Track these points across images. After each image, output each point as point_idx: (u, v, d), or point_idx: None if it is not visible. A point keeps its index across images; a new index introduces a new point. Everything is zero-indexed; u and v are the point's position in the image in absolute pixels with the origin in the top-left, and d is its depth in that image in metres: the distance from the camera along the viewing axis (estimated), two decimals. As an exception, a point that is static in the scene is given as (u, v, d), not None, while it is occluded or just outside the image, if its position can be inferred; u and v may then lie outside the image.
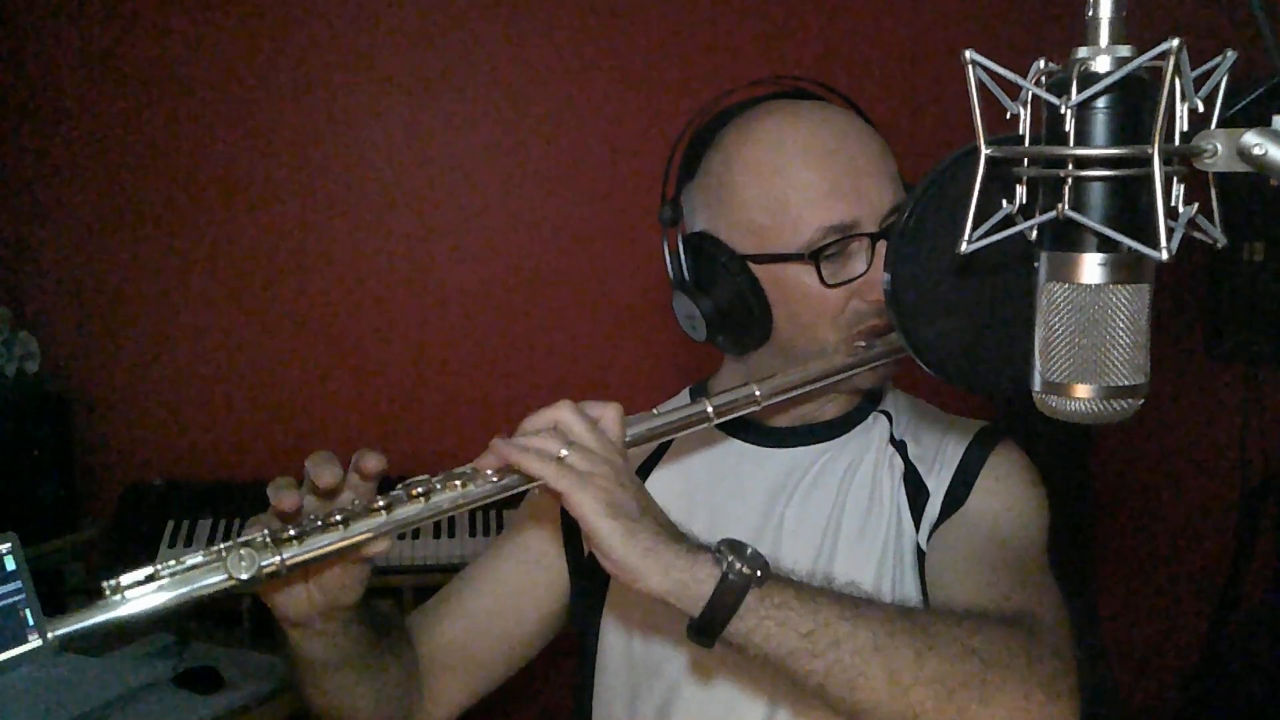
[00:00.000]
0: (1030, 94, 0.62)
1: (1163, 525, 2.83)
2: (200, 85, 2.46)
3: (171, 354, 2.50)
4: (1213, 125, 0.61)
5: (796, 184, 1.00)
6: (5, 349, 2.26)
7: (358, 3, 2.50)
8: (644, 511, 0.83)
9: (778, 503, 1.07)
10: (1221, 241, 0.63)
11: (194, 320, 2.51)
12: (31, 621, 2.02)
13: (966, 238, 0.63)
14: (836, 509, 1.05)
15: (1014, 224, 0.63)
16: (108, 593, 0.80)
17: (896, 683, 0.80)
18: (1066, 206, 0.60)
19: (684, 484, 1.12)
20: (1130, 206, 0.60)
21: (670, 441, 1.14)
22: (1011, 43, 2.51)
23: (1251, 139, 0.59)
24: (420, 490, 0.84)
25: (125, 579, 0.79)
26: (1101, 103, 0.59)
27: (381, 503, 0.84)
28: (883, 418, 1.11)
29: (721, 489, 1.10)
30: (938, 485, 1.04)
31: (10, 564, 1.97)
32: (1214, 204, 0.63)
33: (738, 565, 0.80)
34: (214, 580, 0.80)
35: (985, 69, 0.61)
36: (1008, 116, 0.63)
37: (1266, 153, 0.59)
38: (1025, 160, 0.63)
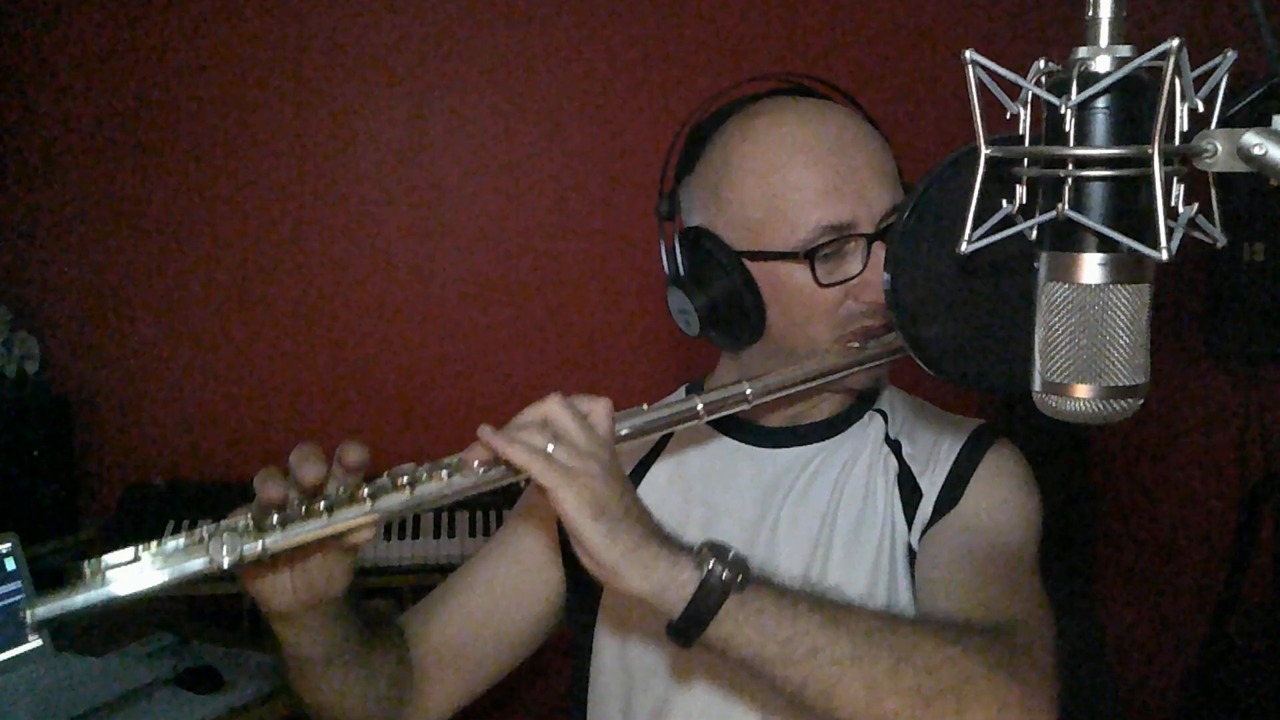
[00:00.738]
0: (1030, 94, 0.62)
1: (1163, 525, 2.83)
2: (200, 85, 2.46)
3: (172, 354, 2.50)
4: (1213, 125, 0.60)
5: (794, 182, 0.99)
6: (5, 349, 2.26)
7: (358, 3, 2.50)
8: (628, 511, 0.83)
9: (773, 503, 1.07)
10: (1221, 241, 0.63)
11: (194, 320, 2.51)
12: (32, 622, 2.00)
13: (966, 238, 0.63)
14: (831, 509, 1.05)
15: (1014, 224, 0.63)
16: (88, 574, 0.78)
17: (873, 692, 0.80)
18: (1066, 206, 0.60)
19: (679, 483, 1.11)
20: (1130, 206, 0.60)
21: (666, 440, 1.14)
22: (1011, 43, 2.51)
23: (1251, 139, 0.59)
24: (406, 479, 0.84)
25: (106, 560, 0.79)
26: (1101, 103, 0.59)
27: (366, 491, 0.83)
28: (878, 417, 1.10)
29: (716, 488, 1.10)
30: (930, 486, 1.04)
31: (10, 564, 1.98)
32: (1214, 204, 0.63)
33: (719, 569, 0.80)
34: (195, 564, 0.79)
35: (985, 69, 0.61)
36: (1008, 116, 0.63)
37: (1266, 153, 0.59)
38: (1025, 160, 0.63)
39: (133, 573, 0.79)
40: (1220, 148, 0.60)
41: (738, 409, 0.95)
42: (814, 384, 0.98)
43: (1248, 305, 2.47)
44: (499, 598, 1.11)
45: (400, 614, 1.12)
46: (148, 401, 2.50)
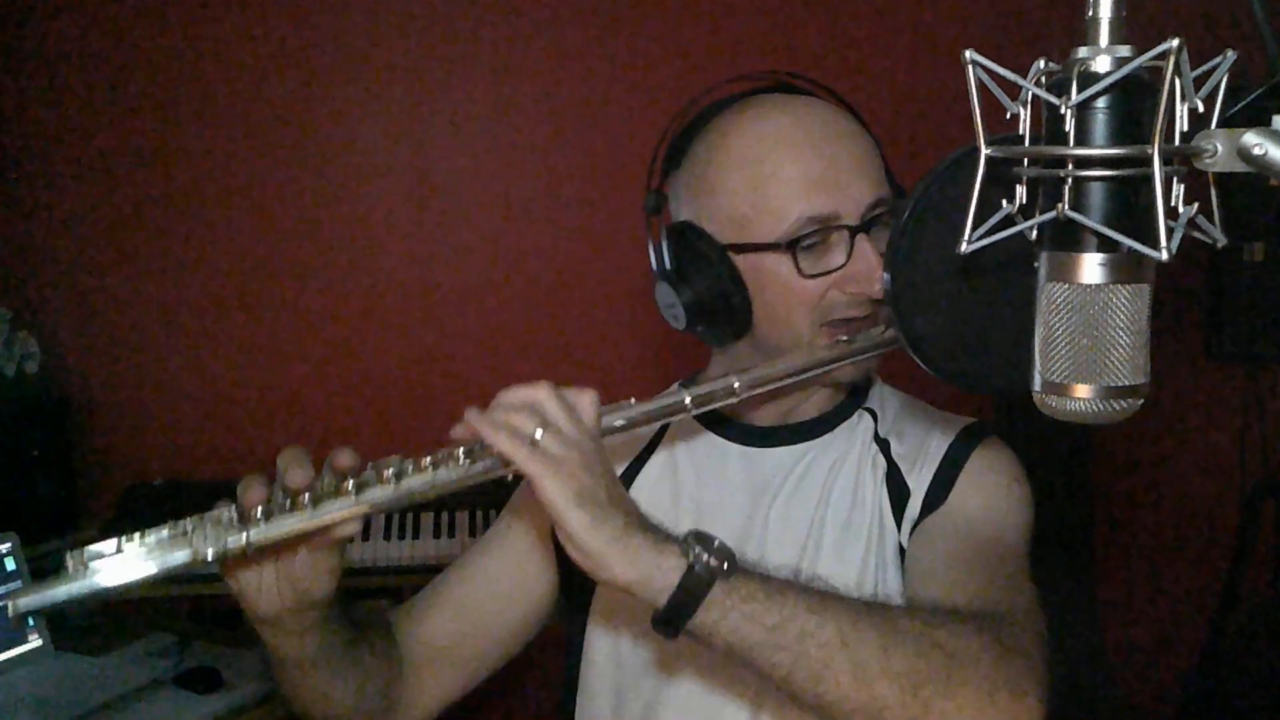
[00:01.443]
0: (1030, 94, 0.62)
1: (1163, 525, 2.83)
2: (200, 86, 2.46)
3: (172, 354, 2.50)
4: (1213, 125, 0.61)
5: (778, 175, 1.00)
6: (5, 349, 2.26)
7: (358, 3, 2.50)
8: (613, 500, 0.83)
9: (762, 502, 1.07)
10: (1221, 241, 0.63)
11: (194, 320, 2.51)
12: (31, 622, 2.02)
13: (966, 238, 0.63)
14: (820, 509, 1.05)
15: (1014, 224, 0.63)
16: (70, 565, 0.78)
17: (862, 676, 0.80)
18: (1066, 206, 0.60)
19: (670, 482, 1.12)
20: (1130, 206, 0.60)
21: (657, 439, 1.15)
22: (1011, 43, 2.51)
23: (1251, 139, 0.59)
24: (391, 472, 0.83)
25: (89, 551, 0.78)
26: (1101, 103, 0.59)
27: (351, 484, 0.83)
28: (867, 416, 1.11)
29: (707, 487, 1.10)
30: (919, 484, 1.04)
31: (10, 564, 1.98)
32: (1214, 204, 0.63)
33: (705, 557, 0.80)
34: (179, 556, 0.79)
35: (985, 69, 0.61)
36: (1008, 116, 0.63)
37: (1266, 153, 0.59)
38: (1025, 160, 0.63)
39: (117, 564, 0.78)
40: (1220, 148, 0.60)
41: (726, 402, 0.95)
42: (802, 377, 0.98)
43: (1248, 305, 2.47)
44: (492, 593, 1.11)
45: (392, 611, 1.12)
46: (148, 401, 2.50)
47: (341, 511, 0.82)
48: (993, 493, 1.04)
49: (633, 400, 0.92)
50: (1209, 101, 0.60)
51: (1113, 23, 0.60)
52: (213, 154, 2.48)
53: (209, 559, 0.79)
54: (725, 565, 0.80)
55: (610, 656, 1.09)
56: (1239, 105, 0.62)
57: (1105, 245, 0.60)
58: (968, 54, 0.61)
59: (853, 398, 1.11)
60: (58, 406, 2.33)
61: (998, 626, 0.85)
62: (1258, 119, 0.60)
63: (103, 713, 1.70)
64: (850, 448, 1.08)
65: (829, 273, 1.00)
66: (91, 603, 0.79)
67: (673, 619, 0.80)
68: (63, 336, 2.44)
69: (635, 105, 2.56)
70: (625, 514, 0.83)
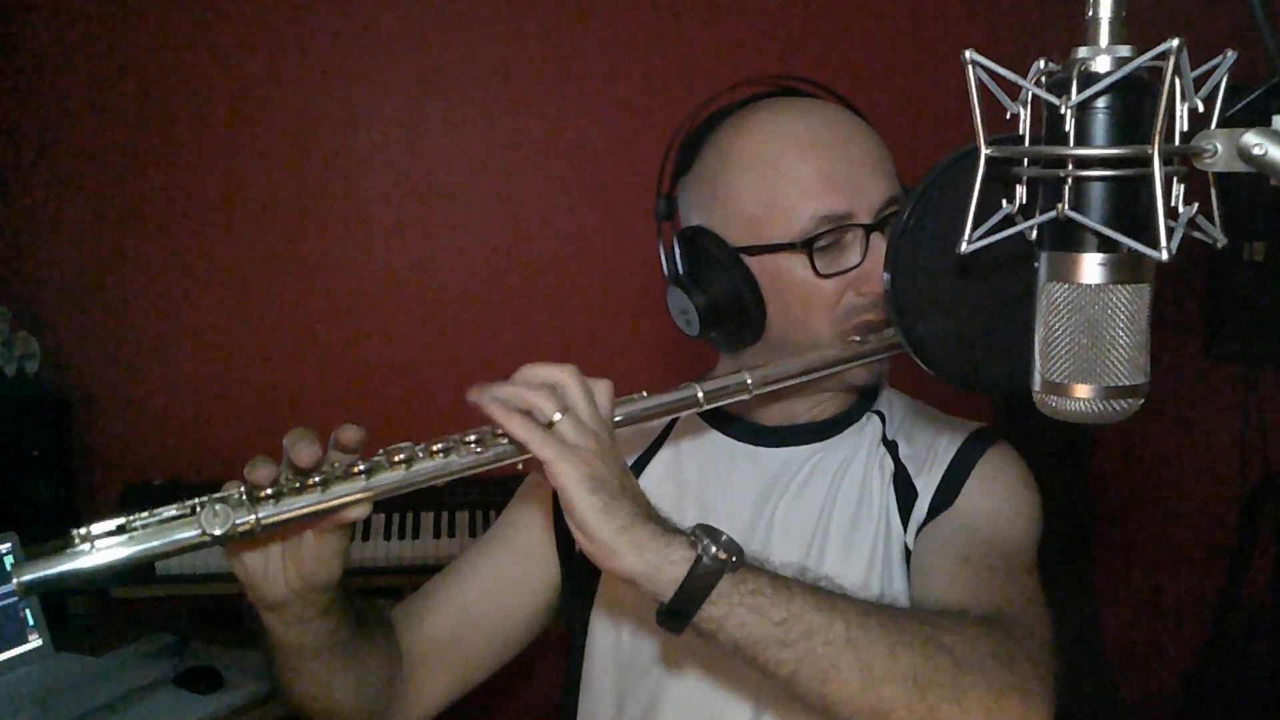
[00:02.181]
0: (1030, 94, 0.62)
1: (1163, 525, 2.83)
2: (200, 86, 2.46)
3: (171, 354, 2.50)
4: (1213, 125, 0.61)
5: (790, 175, 1.00)
6: (5, 349, 2.26)
7: (357, 3, 2.50)
8: (624, 490, 0.82)
9: (769, 501, 1.07)
10: (1221, 241, 0.63)
11: (194, 320, 2.51)
12: (31, 622, 2.02)
13: (966, 238, 0.63)
14: (826, 509, 1.05)
15: (1014, 224, 0.63)
16: (77, 541, 0.77)
17: (868, 676, 0.79)
18: (1066, 206, 0.60)
19: (676, 479, 1.12)
20: (1130, 206, 0.60)
21: (664, 436, 1.15)
22: (1011, 43, 2.51)
23: (1251, 139, 0.59)
24: (402, 457, 0.83)
25: (96, 528, 0.77)
26: (1101, 103, 0.59)
27: (361, 467, 0.82)
28: (876, 418, 1.11)
29: (713, 486, 1.10)
30: (926, 486, 1.04)
31: (10, 564, 1.97)
32: (1214, 204, 0.63)
33: (712, 550, 0.79)
34: (186, 535, 0.78)
35: (985, 69, 0.61)
36: (1008, 116, 0.63)
37: (1266, 153, 0.59)
38: (1025, 160, 0.63)
39: (122, 541, 0.78)
40: (1220, 148, 0.60)
41: (738, 398, 0.94)
42: (814, 376, 0.97)
43: (1248, 305, 2.47)
44: (494, 590, 1.11)
45: (394, 608, 1.12)
46: (147, 401, 2.50)
47: (351, 494, 0.82)
48: (1001, 496, 1.03)
49: (644, 393, 0.92)
50: (1209, 101, 0.60)
51: (1113, 23, 0.60)
52: (213, 154, 2.48)
53: (217, 537, 0.78)
54: (733, 559, 0.80)
55: (612, 654, 1.09)
56: (1239, 105, 0.62)
57: (1105, 245, 0.60)
58: (968, 54, 0.61)
59: (862, 400, 1.11)
60: (58, 406, 2.33)
61: (1006, 630, 0.85)
62: (1258, 119, 0.60)
63: (103, 713, 1.70)
64: (858, 449, 1.08)
65: (845, 272, 1.00)
66: (94, 583, 0.78)
67: (679, 612, 0.80)
68: (63, 336, 2.44)
69: (637, 105, 2.56)
70: (636, 504, 0.82)
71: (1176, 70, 0.57)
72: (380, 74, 2.51)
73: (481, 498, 2.32)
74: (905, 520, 1.03)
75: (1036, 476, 1.07)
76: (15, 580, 0.76)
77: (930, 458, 1.06)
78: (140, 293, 2.48)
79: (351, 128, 2.52)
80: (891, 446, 1.08)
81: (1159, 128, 0.57)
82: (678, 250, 1.06)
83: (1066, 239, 0.61)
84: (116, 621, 2.09)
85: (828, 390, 1.08)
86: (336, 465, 0.83)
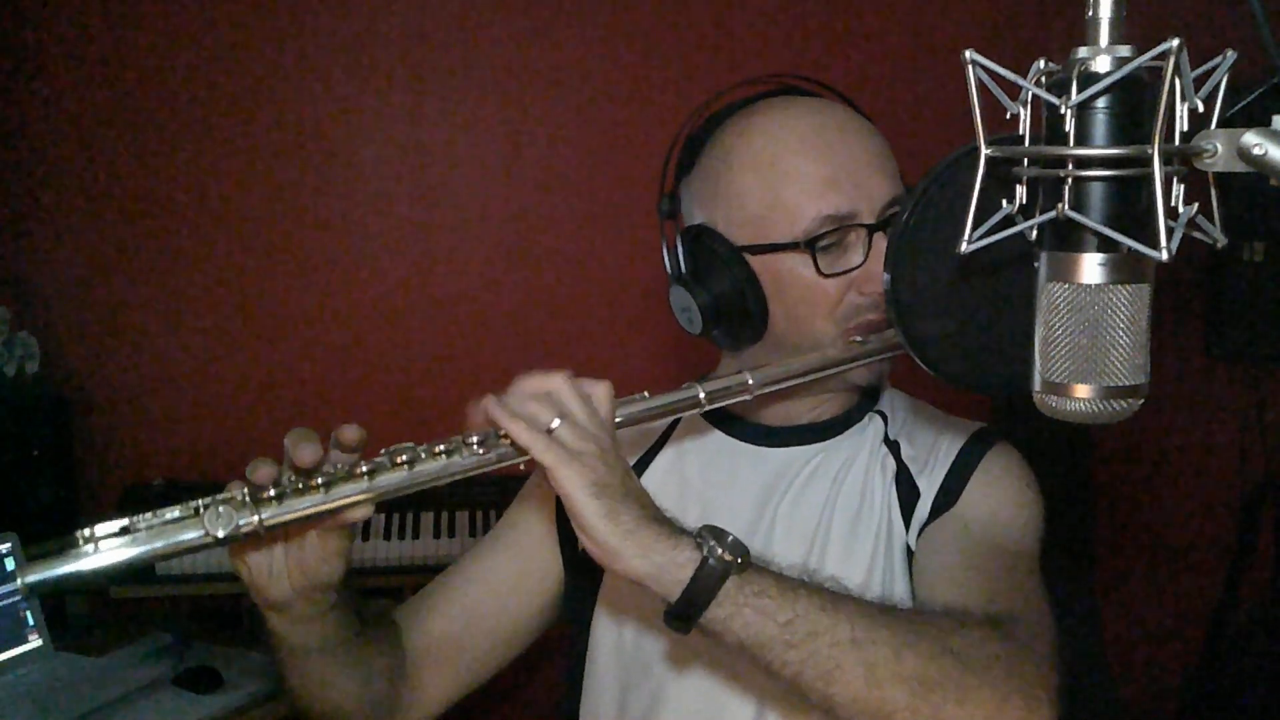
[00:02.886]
0: (1030, 94, 0.62)
1: (1163, 525, 2.83)
2: (200, 86, 2.46)
3: (171, 354, 2.50)
4: (1213, 125, 0.61)
5: (793, 174, 1.00)
6: (5, 349, 2.26)
7: (357, 3, 2.50)
8: (628, 492, 0.83)
9: (770, 501, 1.07)
10: (1221, 241, 0.63)
11: (194, 320, 2.51)
12: (31, 622, 2.02)
13: (966, 238, 0.63)
14: (828, 509, 1.05)
15: (1014, 224, 0.63)
16: (81, 542, 0.77)
17: (873, 678, 0.79)
18: (1066, 206, 0.60)
19: (678, 479, 1.12)
20: (1130, 206, 0.60)
21: (666, 436, 1.15)
22: (1011, 43, 2.51)
23: (1251, 139, 0.59)
24: (404, 458, 0.83)
25: (99, 529, 0.78)
26: (1101, 103, 0.59)
27: (364, 468, 0.83)
28: (878, 418, 1.11)
29: (715, 485, 1.10)
30: (929, 486, 1.04)
31: (10, 564, 1.98)
32: (1214, 204, 0.63)
33: (718, 551, 0.80)
34: (190, 536, 0.78)
35: (985, 69, 0.61)
36: (1008, 116, 0.63)
37: (1266, 153, 0.59)
38: (1025, 160, 0.63)
39: (126, 542, 0.78)
40: (1220, 148, 0.60)
41: (740, 398, 0.94)
42: (816, 376, 0.97)
43: (1248, 305, 2.47)
44: (496, 590, 1.11)
45: (397, 609, 1.12)
46: (147, 401, 2.49)
47: (354, 495, 0.82)
48: (1004, 497, 1.03)
49: (646, 394, 0.92)
50: (1209, 101, 0.60)
51: (1113, 23, 0.60)
52: (213, 154, 2.48)
53: (220, 539, 0.78)
54: (739, 560, 0.80)
55: (615, 653, 1.09)
56: (1239, 105, 0.62)
57: (1105, 245, 0.60)
58: (968, 54, 0.61)
59: (864, 400, 1.11)
60: (58, 406, 2.33)
61: (1010, 633, 0.85)
62: (1258, 119, 0.60)
63: (103, 713, 1.70)
64: (860, 449, 1.08)
65: (848, 272, 1.00)
66: (96, 583, 0.78)
67: (685, 613, 0.80)
68: (63, 336, 2.44)
69: (637, 104, 2.56)
70: (641, 506, 0.83)
71: (1176, 70, 0.57)
72: (380, 74, 2.51)
73: (482, 498, 2.32)
74: (907, 520, 1.03)
75: (1037, 476, 1.07)
76: (20, 581, 0.76)
77: (932, 458, 1.06)
78: (140, 293, 2.48)
79: (351, 128, 2.52)
80: (893, 446, 1.08)
81: (1159, 128, 0.57)
82: (680, 248, 1.06)
83: (1066, 239, 0.61)
84: (116, 621, 2.09)
85: (829, 390, 1.08)
86: (339, 466, 0.84)
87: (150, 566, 1.67)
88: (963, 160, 0.78)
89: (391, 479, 0.83)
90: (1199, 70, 0.60)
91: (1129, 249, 0.59)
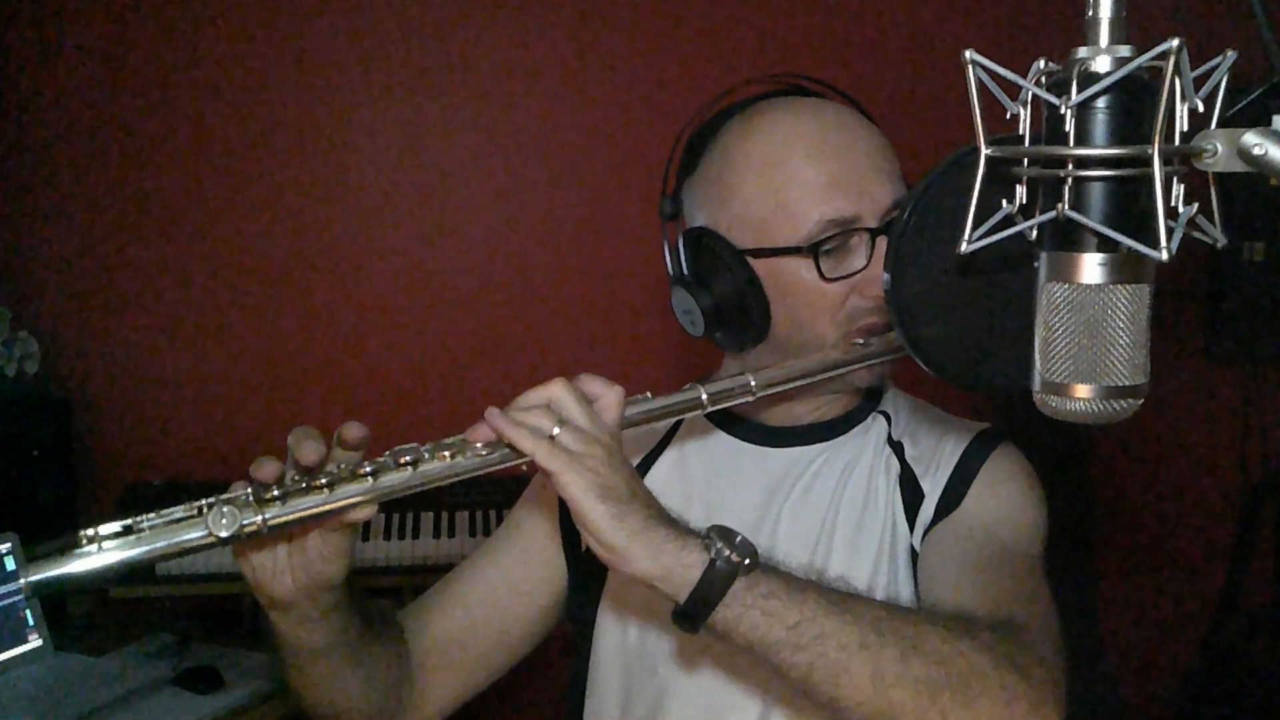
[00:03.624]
0: (1030, 94, 0.62)
1: (1163, 525, 2.83)
2: (200, 85, 2.45)
3: (172, 354, 2.50)
4: (1213, 125, 0.61)
5: (796, 178, 1.00)
6: (5, 349, 2.26)
7: (357, 3, 2.50)
8: (634, 495, 0.83)
9: (774, 501, 1.07)
10: (1221, 241, 0.63)
11: (194, 321, 2.51)
12: (31, 622, 2.01)
13: (966, 238, 0.63)
14: (832, 509, 1.05)
15: (1014, 224, 0.63)
16: (84, 542, 0.78)
17: (880, 680, 0.79)
18: (1066, 206, 0.60)
19: (681, 479, 1.11)
20: (1130, 206, 0.60)
21: (669, 437, 1.15)
22: (1011, 43, 2.51)
23: (1251, 139, 0.59)
24: (408, 458, 0.83)
25: (103, 529, 0.78)
26: (1101, 103, 0.59)
27: (368, 468, 0.83)
28: (881, 419, 1.10)
29: (719, 486, 1.10)
30: (933, 487, 1.04)
31: (10, 564, 1.98)
32: (1214, 204, 0.63)
33: (726, 552, 0.80)
34: (193, 536, 0.79)
35: (985, 69, 0.61)
36: (1008, 116, 0.63)
37: (1266, 153, 0.59)
38: (1025, 160, 0.63)
39: (130, 542, 0.78)
40: (1220, 148, 0.60)
41: (742, 400, 0.95)
42: (817, 378, 0.97)
43: (1248, 305, 2.47)
44: (501, 591, 1.11)
45: (400, 610, 1.12)
46: (148, 401, 2.49)
47: (358, 495, 0.82)
48: (1008, 498, 1.03)
49: (648, 395, 0.92)
50: (1209, 101, 0.60)
51: (1113, 23, 0.60)
52: (212, 154, 2.48)
53: (224, 539, 0.79)
54: (747, 561, 0.80)
55: (619, 652, 1.09)
56: (1239, 105, 0.62)
57: (1105, 245, 0.60)
58: (968, 54, 0.61)
59: (867, 401, 1.11)
60: (58, 406, 2.33)
61: (1017, 636, 0.85)
62: (1258, 119, 0.60)
63: (103, 713, 1.70)
64: (864, 450, 1.08)
65: (850, 275, 1.00)
66: (98, 583, 0.79)
67: (693, 614, 0.81)
68: (63, 336, 2.44)
69: (638, 105, 2.56)
70: (647, 508, 0.83)
71: (1176, 70, 0.57)
72: (380, 74, 2.51)
73: (482, 498, 2.32)
74: (911, 521, 1.03)
75: (1038, 477, 1.07)
76: (23, 580, 0.76)
77: (936, 458, 1.06)
78: (140, 293, 2.48)
79: (351, 128, 2.52)
80: (897, 447, 1.08)
81: (1159, 128, 0.57)
82: (682, 251, 1.06)
83: (1066, 239, 0.61)
84: (116, 621, 2.09)
85: (832, 392, 1.08)
86: (343, 465, 0.84)
87: (150, 566, 1.67)
88: (963, 160, 0.78)
89: (395, 479, 0.83)
90: (1199, 70, 0.60)
91: (1129, 249, 0.59)
